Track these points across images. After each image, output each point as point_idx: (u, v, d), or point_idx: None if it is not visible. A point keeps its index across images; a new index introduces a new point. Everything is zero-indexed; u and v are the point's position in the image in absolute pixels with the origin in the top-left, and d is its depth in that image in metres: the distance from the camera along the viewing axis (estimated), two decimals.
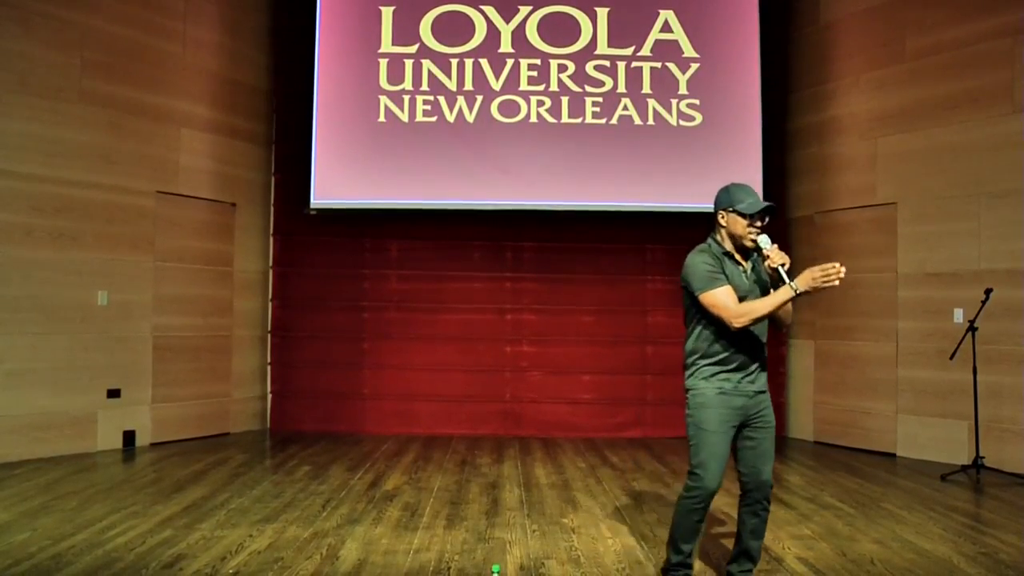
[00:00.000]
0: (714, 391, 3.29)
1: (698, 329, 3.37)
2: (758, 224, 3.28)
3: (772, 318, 3.30)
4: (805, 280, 3.03)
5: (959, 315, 6.69)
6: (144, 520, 4.68)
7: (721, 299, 3.24)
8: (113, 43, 6.95)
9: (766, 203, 3.27)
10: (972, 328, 6.13)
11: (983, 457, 6.18)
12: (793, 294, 3.06)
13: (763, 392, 3.36)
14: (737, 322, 3.20)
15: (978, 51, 6.70)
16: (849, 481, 6.09)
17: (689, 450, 3.36)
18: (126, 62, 7.04)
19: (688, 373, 3.41)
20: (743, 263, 3.36)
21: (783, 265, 3.15)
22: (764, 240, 3.25)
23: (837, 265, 2.97)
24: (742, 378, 3.30)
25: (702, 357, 3.35)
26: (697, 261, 3.34)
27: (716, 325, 3.28)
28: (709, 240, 3.43)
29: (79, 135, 6.72)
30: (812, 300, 7.23)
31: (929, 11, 7.01)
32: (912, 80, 7.11)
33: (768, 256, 3.21)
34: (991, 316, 6.31)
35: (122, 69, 7.01)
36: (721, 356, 3.30)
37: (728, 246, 3.37)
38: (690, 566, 3.45)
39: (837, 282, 2.97)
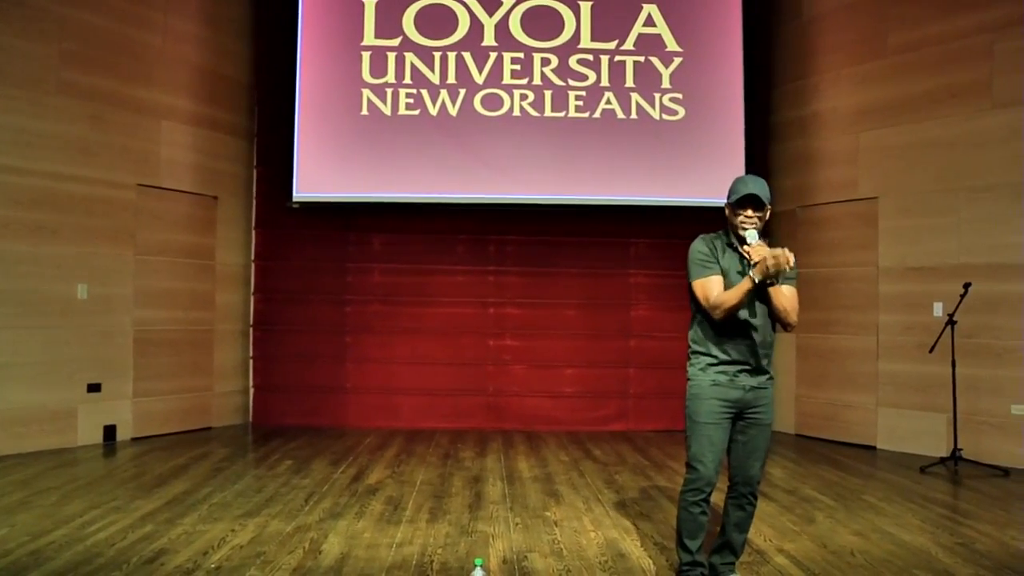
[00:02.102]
0: (708, 382, 3.29)
1: (698, 319, 3.39)
2: (749, 214, 3.24)
3: (774, 316, 3.30)
4: (759, 269, 3.07)
5: (938, 309, 6.75)
6: (125, 515, 4.65)
7: (704, 289, 3.28)
8: (92, 34, 6.87)
9: (747, 191, 3.22)
10: (951, 322, 6.19)
11: (961, 449, 6.26)
12: (752, 284, 3.10)
13: (762, 388, 3.34)
14: (714, 314, 3.23)
15: (958, 47, 6.75)
16: (830, 474, 6.14)
17: (686, 442, 3.37)
18: (105, 54, 6.96)
19: (688, 363, 3.42)
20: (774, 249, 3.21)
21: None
22: (751, 235, 3.23)
23: (785, 250, 3.01)
24: (739, 371, 3.29)
25: (700, 347, 3.36)
26: (693, 249, 3.37)
27: (722, 319, 3.26)
28: (722, 230, 3.43)
29: (58, 127, 6.65)
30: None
31: (911, 7, 7.05)
32: (894, 75, 7.15)
33: (748, 252, 3.23)
34: (970, 310, 6.38)
35: (101, 61, 6.93)
36: (718, 348, 3.30)
37: (733, 238, 3.35)
38: (703, 564, 3.39)
39: (787, 268, 3.01)
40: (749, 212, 3.24)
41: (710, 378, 3.30)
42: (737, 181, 3.31)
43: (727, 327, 3.27)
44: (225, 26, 8.03)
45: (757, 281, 3.09)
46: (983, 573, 3.84)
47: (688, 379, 3.39)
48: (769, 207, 3.30)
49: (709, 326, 3.32)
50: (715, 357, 3.31)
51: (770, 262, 3.01)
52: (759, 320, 3.30)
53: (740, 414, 3.32)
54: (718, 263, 3.30)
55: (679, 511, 3.37)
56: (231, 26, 8.11)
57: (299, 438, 7.38)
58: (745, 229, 3.24)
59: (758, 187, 3.22)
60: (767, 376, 3.36)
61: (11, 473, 5.71)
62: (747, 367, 3.30)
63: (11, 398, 6.38)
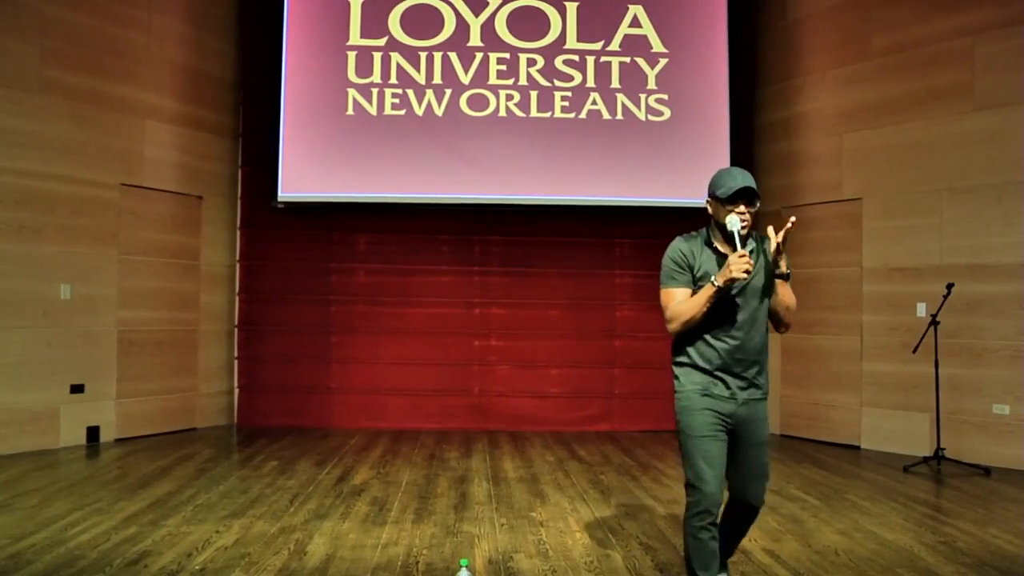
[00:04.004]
0: (697, 392, 3.00)
1: None
2: (742, 209, 2.95)
3: (774, 314, 3.05)
4: (722, 274, 2.85)
5: (922, 309, 6.80)
6: (108, 517, 4.62)
7: (665, 300, 3.06)
8: (74, 32, 6.82)
9: (740, 186, 2.93)
10: (934, 322, 6.24)
11: (944, 448, 6.31)
12: (714, 288, 2.87)
13: (756, 401, 3.03)
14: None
15: (940, 50, 6.80)
16: (814, 473, 6.17)
17: (683, 461, 3.05)
18: (88, 52, 6.91)
19: (674, 372, 3.12)
20: (731, 254, 2.91)
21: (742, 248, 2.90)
22: (732, 221, 2.95)
23: (746, 255, 2.81)
24: (729, 382, 2.99)
25: (683, 357, 3.08)
26: (667, 253, 3.11)
27: (700, 324, 2.98)
28: (705, 228, 3.16)
29: (40, 126, 6.59)
30: None
31: (894, 9, 7.10)
32: (877, 77, 7.20)
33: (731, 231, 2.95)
34: (952, 310, 6.43)
35: (84, 59, 6.88)
36: (703, 358, 3.02)
37: (716, 235, 3.08)
38: None
39: (744, 275, 2.79)
40: (742, 208, 2.96)
41: (699, 387, 3.00)
42: (723, 174, 3.03)
43: (712, 334, 2.99)
44: (210, 25, 7.99)
45: (717, 285, 2.85)
46: (964, 571, 3.87)
47: (676, 391, 3.07)
48: (758, 201, 3.02)
49: (694, 336, 3.02)
50: (701, 367, 3.02)
51: (732, 265, 2.80)
52: (749, 322, 3.01)
53: (734, 430, 3.02)
54: (690, 271, 3.04)
55: (686, 539, 3.01)
56: (216, 25, 8.07)
57: (284, 439, 7.35)
58: (733, 223, 2.94)
59: (748, 180, 2.96)
60: (762, 389, 3.06)
61: None
62: (737, 377, 3.00)
63: None
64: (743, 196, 2.96)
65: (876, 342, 7.15)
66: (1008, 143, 6.41)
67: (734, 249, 2.94)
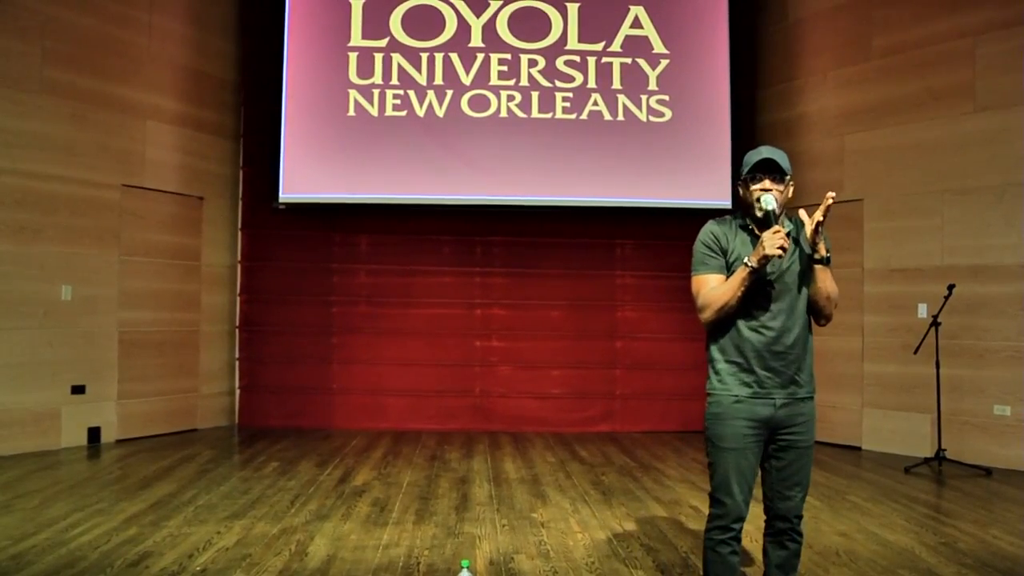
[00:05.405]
0: (730, 398, 2.76)
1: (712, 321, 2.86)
2: (767, 185, 2.74)
3: (814, 306, 2.80)
4: (755, 252, 2.63)
5: (923, 310, 6.80)
6: (109, 518, 4.63)
7: (697, 287, 2.83)
8: (75, 32, 6.82)
9: (760, 157, 2.74)
10: (935, 323, 6.24)
11: (945, 449, 6.30)
12: (747, 270, 2.64)
13: (799, 401, 2.78)
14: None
15: (941, 50, 6.80)
16: (815, 474, 6.16)
17: (709, 469, 2.87)
18: (89, 52, 6.92)
19: (708, 375, 2.88)
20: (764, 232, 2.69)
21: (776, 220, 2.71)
22: (767, 200, 2.72)
23: (781, 230, 2.59)
24: (767, 382, 2.75)
25: (718, 352, 2.83)
26: (698, 238, 2.88)
27: (733, 314, 2.76)
28: (739, 211, 2.94)
29: (41, 126, 6.59)
30: None
31: (895, 10, 7.10)
32: (879, 78, 7.20)
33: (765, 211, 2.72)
34: (953, 311, 6.43)
35: (85, 59, 6.89)
36: (739, 353, 2.77)
37: (750, 219, 2.86)
38: None
39: (779, 251, 2.56)
40: (767, 183, 2.74)
41: (732, 393, 2.77)
42: (750, 152, 2.82)
43: (747, 323, 2.76)
44: (211, 25, 8.00)
45: (752, 267, 2.63)
46: (965, 572, 3.87)
47: (707, 393, 2.85)
48: (791, 179, 2.81)
49: (727, 328, 2.79)
50: (738, 365, 2.78)
51: (766, 242, 2.58)
52: (787, 312, 2.77)
53: (771, 436, 2.80)
54: (723, 255, 2.81)
55: (705, 552, 2.85)
56: (217, 25, 8.07)
57: (285, 439, 7.35)
58: (767, 202, 2.71)
59: (774, 153, 2.76)
60: (804, 388, 2.81)
61: None
62: (777, 375, 2.76)
63: None
64: (766, 170, 2.76)
65: (877, 343, 7.15)
66: (1009, 144, 6.41)
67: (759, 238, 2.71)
